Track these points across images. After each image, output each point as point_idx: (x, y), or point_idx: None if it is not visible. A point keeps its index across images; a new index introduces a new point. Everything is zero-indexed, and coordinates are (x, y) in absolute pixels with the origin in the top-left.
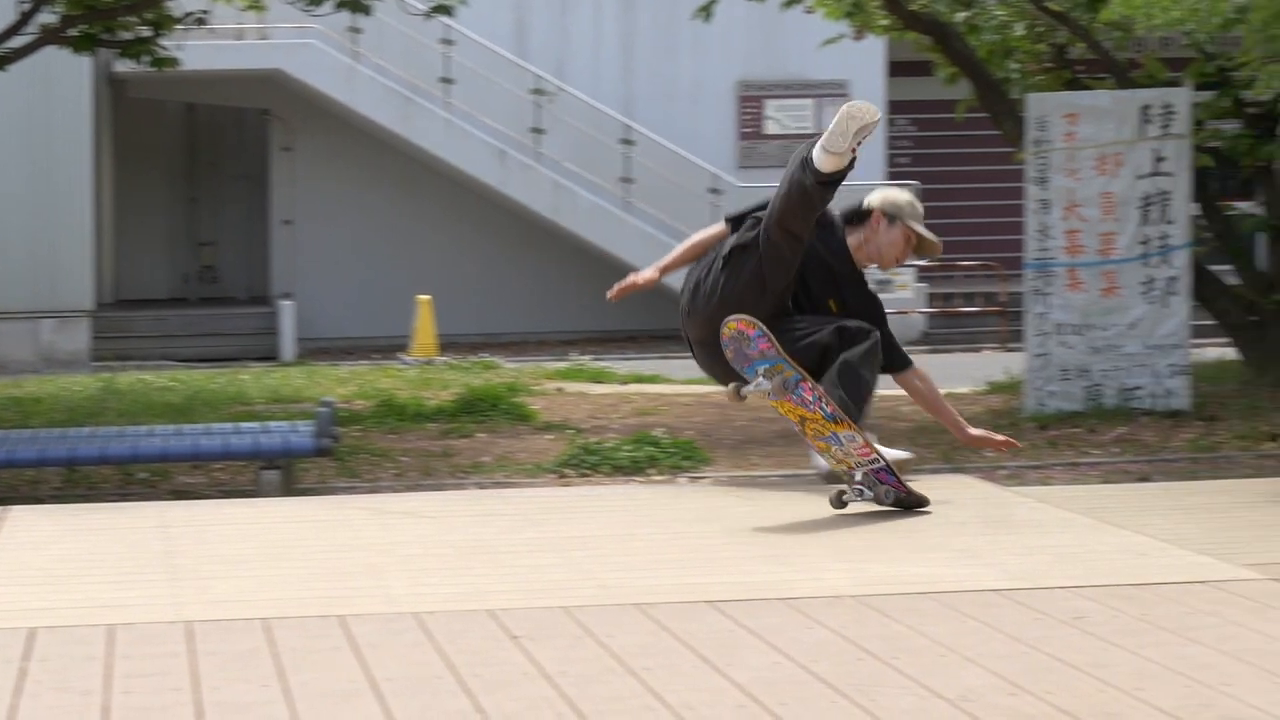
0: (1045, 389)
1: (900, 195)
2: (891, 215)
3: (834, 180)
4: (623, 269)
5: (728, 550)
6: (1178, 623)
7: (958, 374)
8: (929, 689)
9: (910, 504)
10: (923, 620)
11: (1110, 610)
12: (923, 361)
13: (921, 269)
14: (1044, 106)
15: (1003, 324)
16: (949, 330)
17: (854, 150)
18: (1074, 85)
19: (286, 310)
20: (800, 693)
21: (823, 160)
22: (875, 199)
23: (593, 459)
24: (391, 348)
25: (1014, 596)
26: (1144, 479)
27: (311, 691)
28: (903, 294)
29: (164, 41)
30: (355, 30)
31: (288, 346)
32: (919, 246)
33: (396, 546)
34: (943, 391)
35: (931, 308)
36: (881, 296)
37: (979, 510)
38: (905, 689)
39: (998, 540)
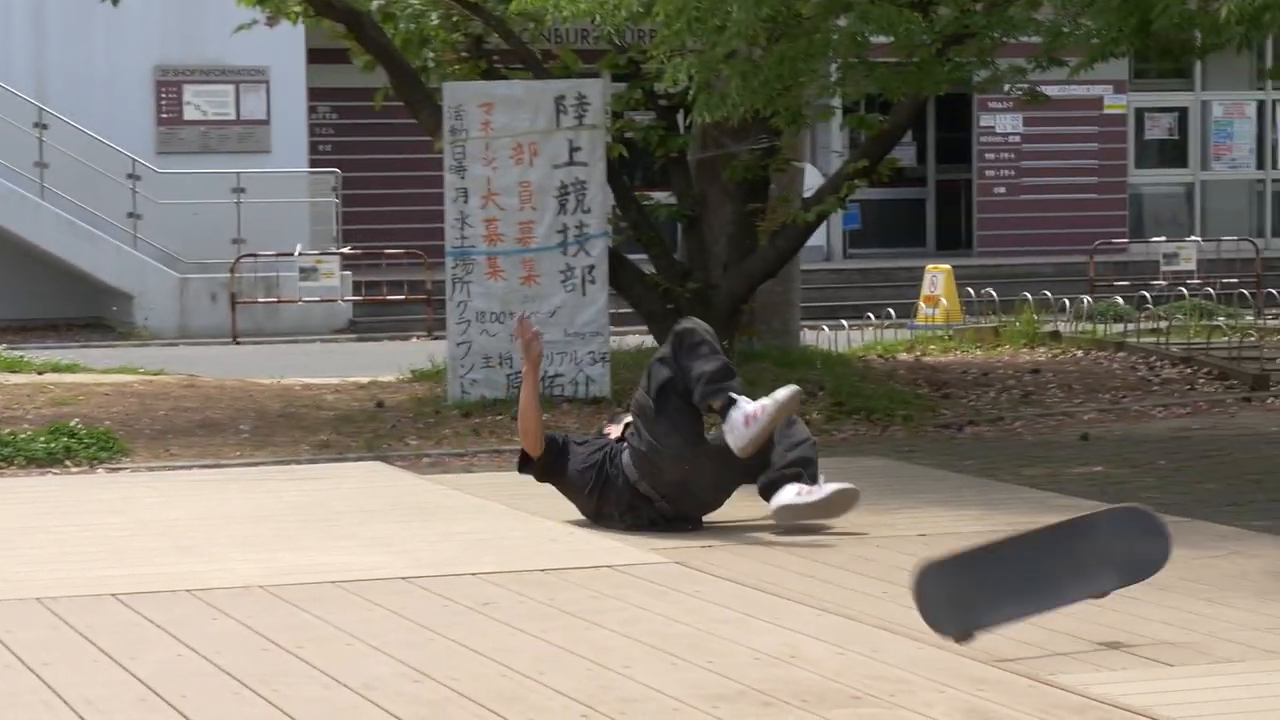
0: (468, 376)
1: None
2: None
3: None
4: (40, 256)
5: (137, 542)
6: (583, 607)
7: (385, 362)
8: (333, 678)
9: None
10: (331, 609)
11: (518, 596)
12: (350, 350)
13: (347, 257)
14: (460, 96)
15: (429, 312)
16: (376, 318)
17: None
18: (490, 75)
19: None
20: (203, 685)
21: (744, 446)
22: None
23: (5, 451)
24: None
25: (423, 584)
26: None
27: None
28: (328, 282)
29: None
30: None
31: None
32: None
33: None
34: (367, 380)
35: (358, 296)
36: (307, 285)
37: (395, 498)
38: (310, 678)
39: (411, 528)
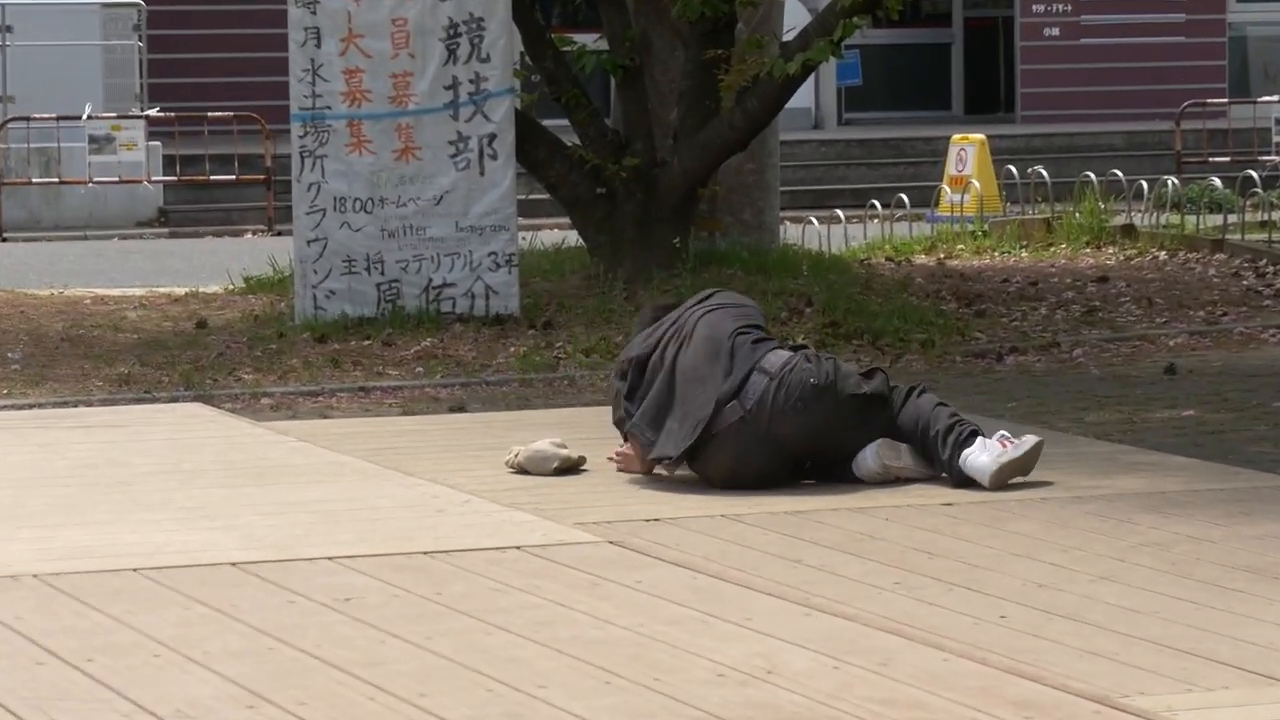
0: (322, 287)
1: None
2: None
3: None
4: None
5: None
6: (482, 603)
7: (209, 266)
8: (135, 703)
9: None
10: (132, 607)
11: (391, 589)
12: (161, 250)
13: (156, 122)
14: None
15: (270, 198)
16: (197, 206)
17: None
18: None
19: None
20: None
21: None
22: None
23: None
24: None
25: (260, 571)
26: (458, 408)
27: None
28: (130, 156)
29: None
30: None
31: None
32: None
33: None
34: (183, 291)
35: (171, 175)
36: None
37: (221, 453)
38: (102, 704)
39: (244, 494)
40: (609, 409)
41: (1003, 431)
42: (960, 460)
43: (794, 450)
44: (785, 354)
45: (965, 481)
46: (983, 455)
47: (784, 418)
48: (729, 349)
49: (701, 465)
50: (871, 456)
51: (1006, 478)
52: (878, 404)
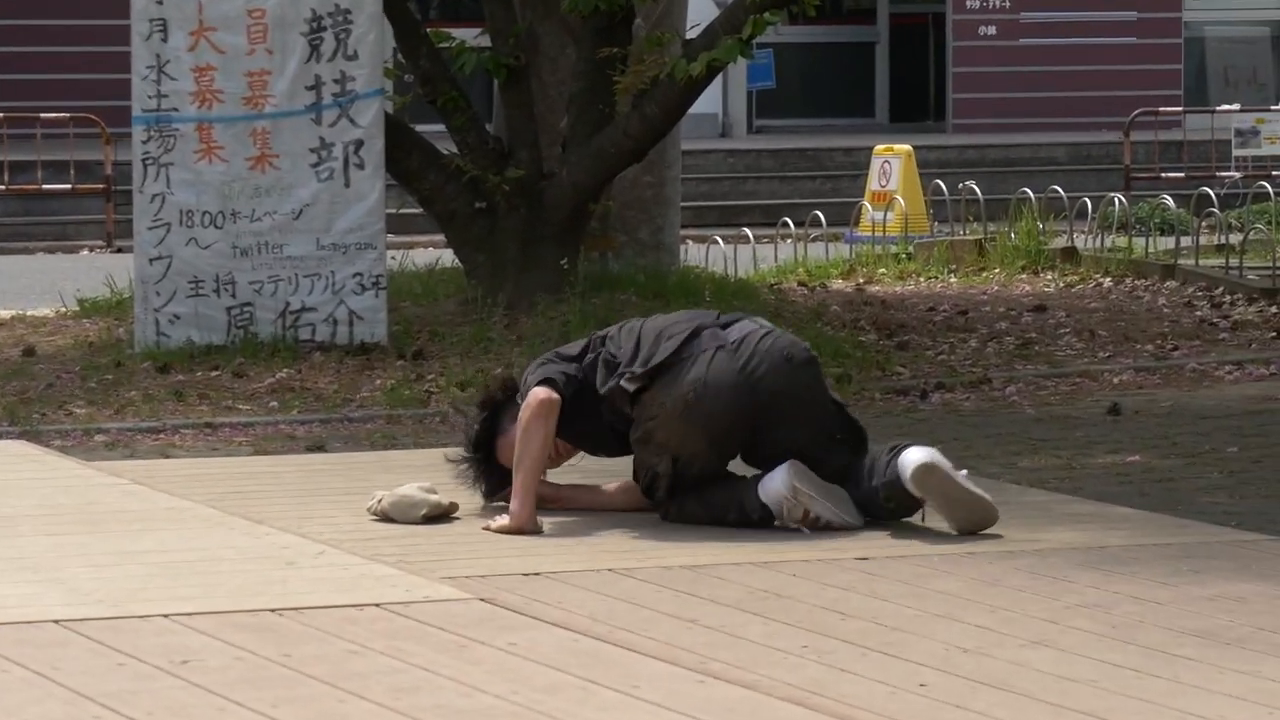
0: (166, 310)
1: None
2: None
3: None
4: None
5: None
6: (335, 668)
7: (38, 287)
8: None
9: None
10: None
11: (234, 650)
12: None
13: None
14: None
15: (109, 210)
16: (26, 219)
17: None
18: None
19: None
20: None
21: None
22: None
23: None
24: None
25: (88, 630)
26: (317, 448)
27: None
28: None
29: None
30: None
31: None
32: None
33: None
34: (9, 314)
35: None
36: None
37: (47, 496)
38: None
39: (70, 543)
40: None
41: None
42: (897, 459)
43: (756, 409)
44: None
45: (891, 493)
46: (918, 451)
47: (765, 364)
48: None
49: (656, 394)
50: (781, 477)
51: (934, 485)
52: (854, 429)
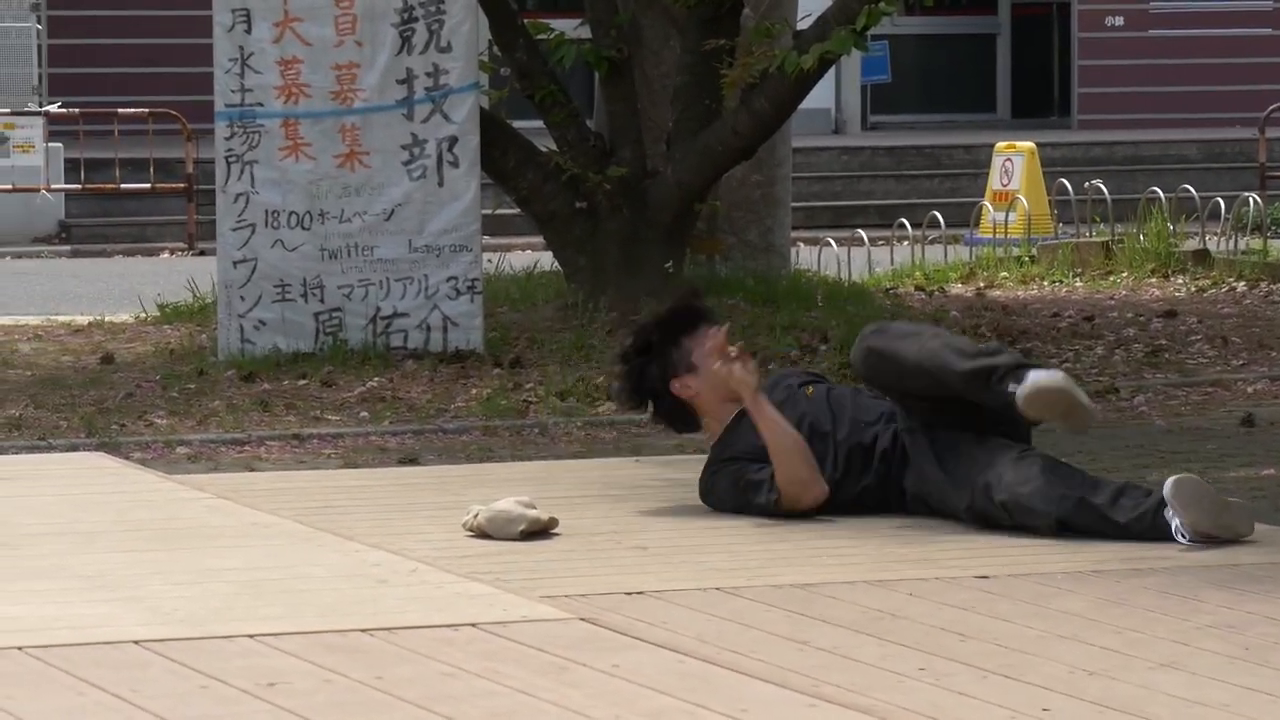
0: (250, 316)
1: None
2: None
3: None
4: None
5: None
6: (430, 690)
7: (118, 291)
8: None
9: None
10: (19, 693)
11: (324, 672)
12: (61, 270)
13: (56, 119)
14: None
15: (190, 211)
16: (104, 220)
17: None
18: None
19: None
20: None
21: None
22: None
23: None
24: None
25: (170, 651)
26: (410, 460)
27: None
28: (24, 159)
29: None
30: None
31: None
32: None
33: None
34: (87, 320)
35: (74, 183)
36: None
37: (125, 511)
38: None
39: (151, 560)
40: (586, 461)
41: None
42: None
43: None
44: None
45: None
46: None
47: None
48: None
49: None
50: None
51: (1051, 405)
52: None
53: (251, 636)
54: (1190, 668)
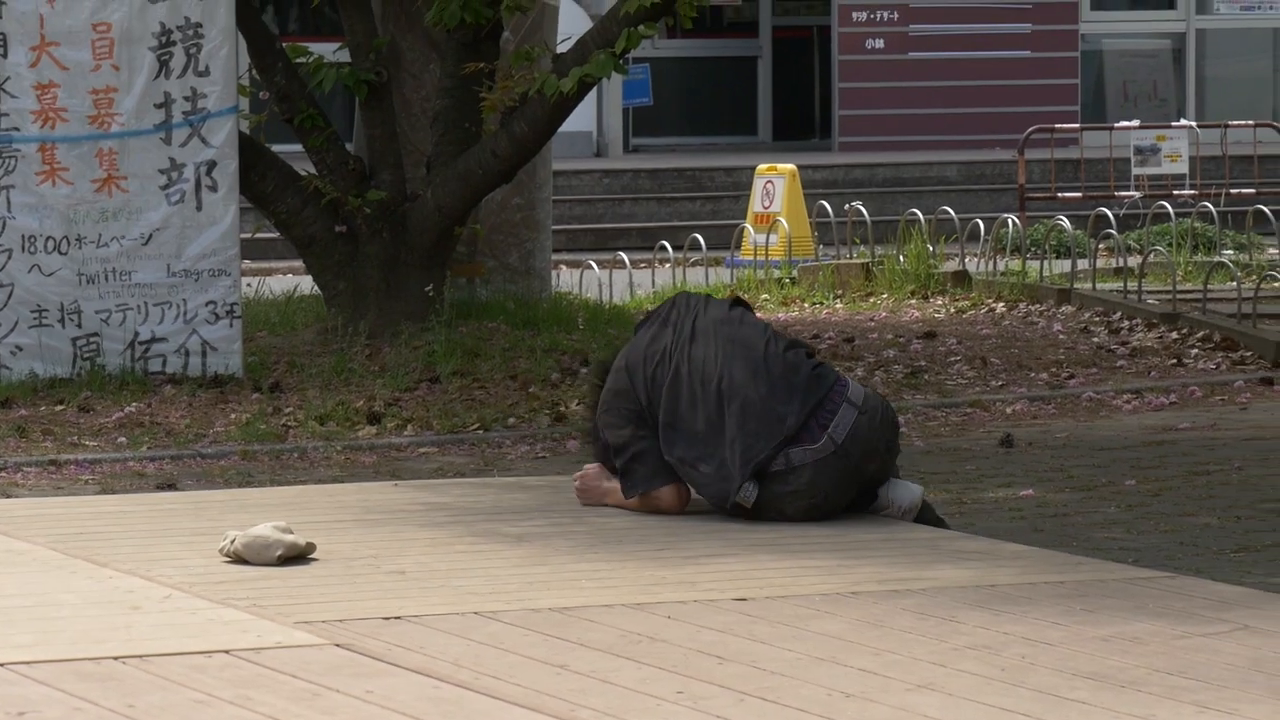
0: (7, 342)
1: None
2: None
3: None
4: None
5: None
6: (181, 718)
7: None
8: None
9: None
10: None
11: (74, 700)
12: None
13: None
14: None
15: None
16: None
17: None
18: None
19: None
20: None
21: None
22: None
23: None
24: None
25: None
26: (168, 486)
27: None
28: None
29: None
30: None
31: None
32: None
33: None
34: None
35: None
36: None
37: None
38: None
39: None
40: (344, 486)
41: None
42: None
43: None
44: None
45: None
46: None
47: (872, 451)
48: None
49: (769, 500)
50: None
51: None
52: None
53: (2, 665)
54: (947, 689)
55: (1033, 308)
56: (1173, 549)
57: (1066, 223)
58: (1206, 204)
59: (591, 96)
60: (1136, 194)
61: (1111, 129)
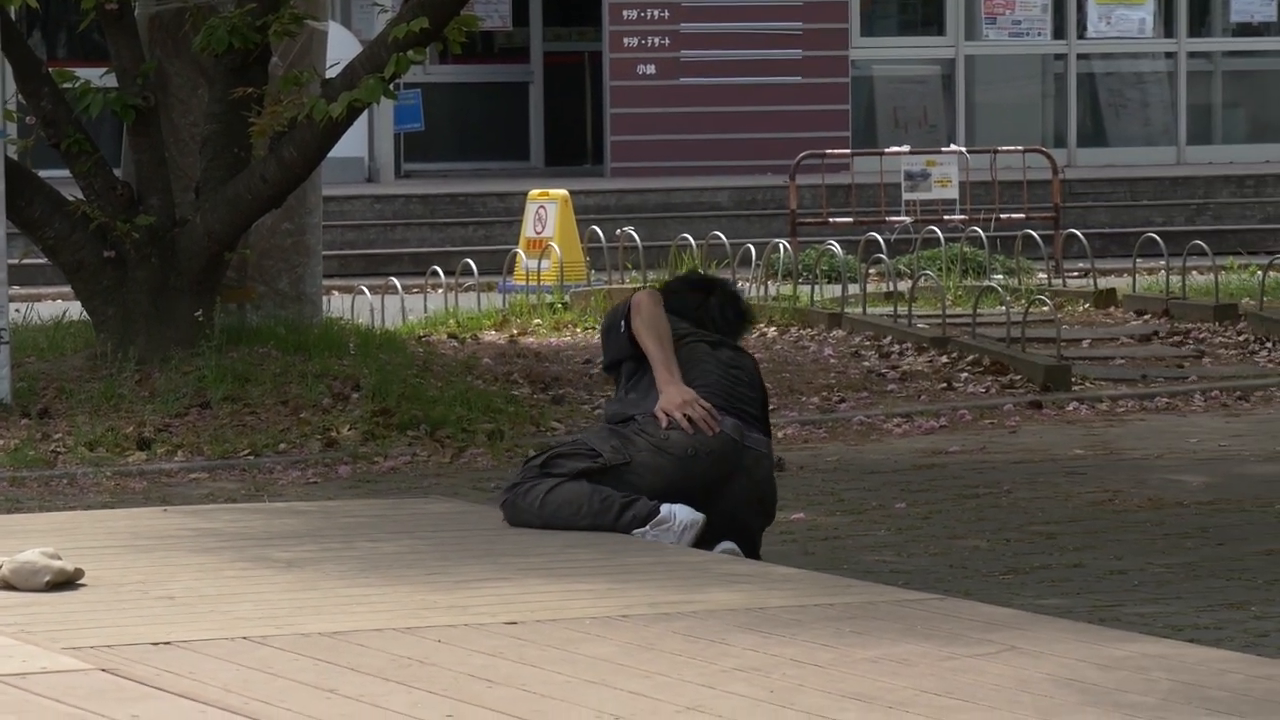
0: None
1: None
2: None
3: None
4: None
5: None
6: None
7: None
8: None
9: None
10: None
11: None
12: None
13: None
14: None
15: None
16: None
17: None
18: None
19: None
20: None
21: None
22: None
23: None
24: None
25: None
26: None
27: None
28: None
29: None
30: None
31: None
32: None
33: None
34: None
35: None
36: None
37: None
38: None
39: None
40: (113, 511)
41: None
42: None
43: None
44: None
45: None
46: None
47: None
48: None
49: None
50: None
51: None
52: None
53: None
54: (716, 711)
55: (804, 332)
56: (942, 571)
57: (837, 248)
58: (976, 229)
59: (362, 122)
60: (907, 219)
61: (882, 154)
